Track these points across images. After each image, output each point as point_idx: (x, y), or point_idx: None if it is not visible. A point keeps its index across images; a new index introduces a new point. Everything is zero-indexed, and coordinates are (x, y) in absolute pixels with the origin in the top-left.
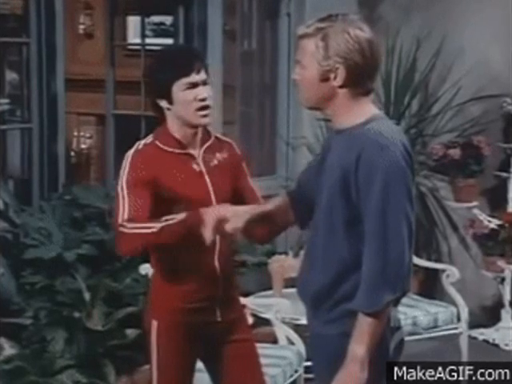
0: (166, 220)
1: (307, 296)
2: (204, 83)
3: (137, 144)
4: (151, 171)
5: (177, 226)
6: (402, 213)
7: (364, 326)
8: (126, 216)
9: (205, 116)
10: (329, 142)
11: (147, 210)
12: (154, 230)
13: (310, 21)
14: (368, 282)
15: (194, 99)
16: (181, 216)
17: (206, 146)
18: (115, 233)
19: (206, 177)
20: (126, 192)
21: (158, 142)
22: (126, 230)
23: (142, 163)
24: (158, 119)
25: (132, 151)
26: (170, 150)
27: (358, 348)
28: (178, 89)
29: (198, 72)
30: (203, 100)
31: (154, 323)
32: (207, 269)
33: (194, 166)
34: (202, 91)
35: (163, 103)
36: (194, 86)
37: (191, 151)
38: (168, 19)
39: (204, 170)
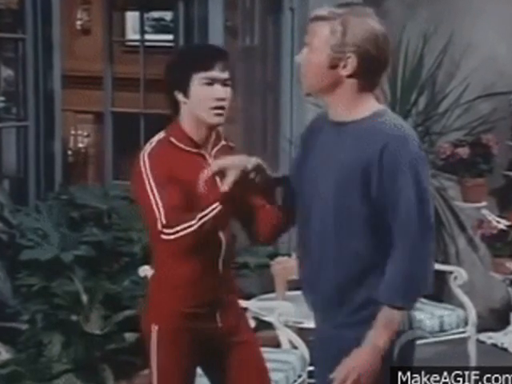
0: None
1: (317, 298)
2: (224, 83)
3: (149, 143)
4: (171, 167)
5: (212, 214)
6: (431, 202)
7: (391, 318)
8: (163, 220)
9: (218, 115)
10: (317, 135)
11: (182, 207)
12: (194, 227)
13: (325, 5)
14: (403, 275)
15: (210, 97)
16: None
17: (216, 148)
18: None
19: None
20: (157, 195)
21: (172, 139)
22: (167, 237)
23: (161, 161)
24: (161, 116)
25: (148, 151)
26: (187, 148)
27: (380, 339)
28: (197, 82)
29: (221, 71)
30: (220, 100)
31: (155, 327)
32: (211, 272)
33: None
34: (221, 91)
35: (180, 96)
36: (213, 82)
37: (203, 152)
38: (168, 15)
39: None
